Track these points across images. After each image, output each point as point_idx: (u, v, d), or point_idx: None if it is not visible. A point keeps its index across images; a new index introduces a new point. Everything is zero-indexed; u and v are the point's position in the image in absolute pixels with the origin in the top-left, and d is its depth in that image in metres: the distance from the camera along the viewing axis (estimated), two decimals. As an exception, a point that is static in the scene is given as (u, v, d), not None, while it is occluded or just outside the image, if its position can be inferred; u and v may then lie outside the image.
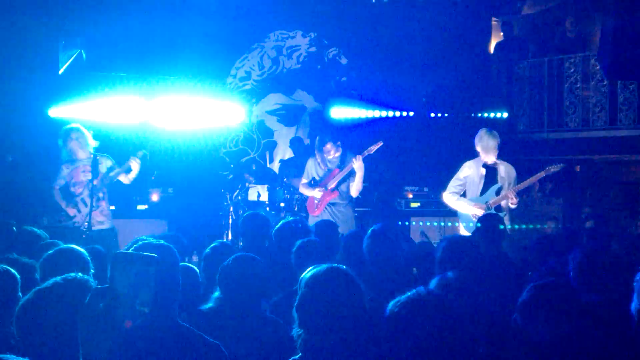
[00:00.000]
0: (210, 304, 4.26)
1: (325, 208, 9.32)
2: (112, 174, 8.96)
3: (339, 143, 9.31)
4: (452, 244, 4.99)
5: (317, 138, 9.53)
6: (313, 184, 9.49)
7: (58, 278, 3.01)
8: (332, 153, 9.29)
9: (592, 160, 13.73)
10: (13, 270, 3.81)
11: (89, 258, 4.55)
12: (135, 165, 8.93)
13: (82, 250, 4.62)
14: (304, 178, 9.64)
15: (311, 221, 8.95)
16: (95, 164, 8.80)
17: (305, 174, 9.65)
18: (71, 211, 8.77)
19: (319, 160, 9.42)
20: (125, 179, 9.07)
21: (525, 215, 13.08)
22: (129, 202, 11.05)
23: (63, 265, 4.33)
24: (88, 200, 8.73)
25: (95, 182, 8.78)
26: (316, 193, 9.32)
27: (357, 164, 9.10)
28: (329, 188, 9.26)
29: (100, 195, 8.92)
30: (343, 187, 9.32)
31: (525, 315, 3.61)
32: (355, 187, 9.29)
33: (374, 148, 9.23)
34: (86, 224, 8.59)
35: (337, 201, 9.31)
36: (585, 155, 13.47)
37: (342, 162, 9.33)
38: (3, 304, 3.63)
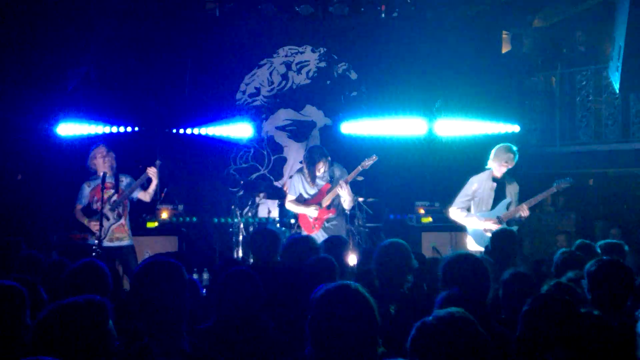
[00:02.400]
0: (209, 323, 4.19)
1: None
2: (130, 189, 9.05)
3: (329, 158, 9.23)
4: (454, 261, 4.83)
5: (306, 153, 9.43)
6: (303, 200, 9.33)
7: (79, 297, 2.97)
8: (323, 169, 9.19)
9: (605, 173, 13.63)
10: (19, 286, 3.79)
11: (109, 272, 4.56)
12: (153, 174, 8.93)
13: (103, 265, 4.63)
14: (291, 194, 9.45)
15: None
16: (116, 180, 9.06)
17: (291, 190, 9.47)
18: (94, 226, 8.78)
19: (307, 176, 9.26)
20: (145, 195, 9.17)
21: (538, 229, 12.99)
22: (139, 220, 11.01)
23: (85, 281, 4.34)
24: (110, 215, 8.84)
25: (116, 198, 8.96)
26: (312, 211, 9.12)
27: (343, 192, 8.96)
28: (324, 206, 9.11)
29: (120, 210, 9.01)
30: (336, 201, 9.21)
31: (526, 328, 3.57)
32: (347, 205, 9.18)
33: (368, 163, 9.11)
34: (98, 239, 8.64)
35: (331, 216, 9.22)
36: (598, 168, 13.38)
37: (332, 176, 9.22)
38: (11, 318, 3.62)
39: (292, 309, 4.99)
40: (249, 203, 11.64)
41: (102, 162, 9.02)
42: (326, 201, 9.09)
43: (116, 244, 8.94)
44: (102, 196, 8.66)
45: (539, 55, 14.60)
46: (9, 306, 3.66)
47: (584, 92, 13.28)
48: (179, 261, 3.73)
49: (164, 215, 11.59)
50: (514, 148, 8.87)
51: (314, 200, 9.16)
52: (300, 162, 12.94)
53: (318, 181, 9.21)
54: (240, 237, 11.14)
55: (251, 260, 9.05)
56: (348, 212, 9.77)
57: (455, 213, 9.07)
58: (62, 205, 10.95)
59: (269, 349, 4.02)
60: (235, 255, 10.97)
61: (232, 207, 11.64)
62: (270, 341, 4.10)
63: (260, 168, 13.31)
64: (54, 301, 3.36)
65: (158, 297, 3.44)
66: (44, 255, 6.69)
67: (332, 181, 9.15)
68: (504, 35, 14.45)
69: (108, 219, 8.87)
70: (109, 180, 8.99)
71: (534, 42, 14.85)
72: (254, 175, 13.23)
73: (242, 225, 11.22)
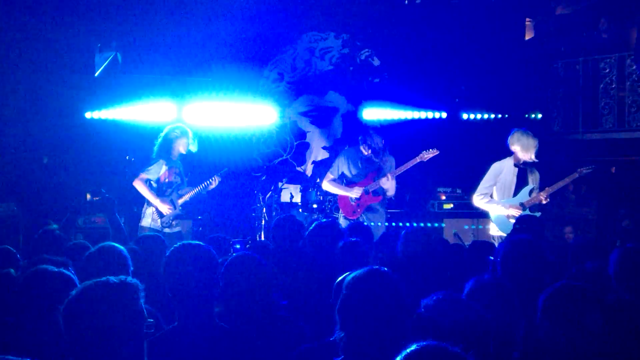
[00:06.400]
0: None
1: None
2: (200, 185, 9.00)
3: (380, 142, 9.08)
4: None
5: (361, 136, 9.19)
6: (346, 182, 9.18)
7: (111, 277, 3.01)
8: (370, 152, 9.03)
9: (627, 161, 13.56)
10: (68, 272, 3.82)
11: (128, 255, 4.61)
12: (216, 182, 9.02)
13: (122, 247, 4.68)
14: (331, 174, 9.30)
15: (343, 223, 8.79)
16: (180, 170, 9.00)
17: (333, 170, 9.31)
18: (167, 209, 8.69)
19: (362, 155, 9.07)
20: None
21: (559, 217, 12.97)
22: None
23: (104, 264, 4.40)
24: (177, 203, 8.80)
25: (186, 191, 8.95)
26: (354, 192, 8.98)
27: (387, 184, 8.83)
28: (370, 191, 8.94)
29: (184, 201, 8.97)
30: (381, 189, 9.05)
31: (545, 318, 3.59)
32: (389, 193, 9.08)
33: (428, 155, 8.96)
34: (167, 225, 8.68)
35: (374, 204, 9.08)
36: (620, 156, 13.32)
37: (382, 164, 9.07)
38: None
39: (317, 294, 5.05)
40: (272, 188, 11.69)
41: (180, 146, 8.90)
42: (373, 187, 8.93)
43: (175, 230, 8.84)
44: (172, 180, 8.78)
45: (562, 42, 14.52)
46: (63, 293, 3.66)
47: (607, 79, 13.21)
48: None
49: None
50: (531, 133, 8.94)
51: (360, 185, 9.01)
52: (325, 148, 13.06)
53: (367, 165, 9.10)
54: (263, 222, 11.20)
55: (271, 246, 9.12)
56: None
57: (478, 200, 9.09)
58: (89, 189, 11.07)
59: (282, 330, 4.04)
60: (258, 239, 11.02)
61: (255, 191, 11.71)
62: (283, 322, 4.12)
63: (283, 153, 13.36)
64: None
65: (190, 280, 3.53)
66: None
67: (382, 169, 9.02)
68: (527, 22, 14.38)
69: (175, 208, 8.77)
70: (178, 167, 8.94)
71: (557, 29, 14.77)
72: (276, 161, 13.29)
73: (264, 210, 11.28)
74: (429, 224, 11.70)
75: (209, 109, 12.25)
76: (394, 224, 11.46)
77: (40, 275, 3.72)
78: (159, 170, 8.79)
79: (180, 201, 8.86)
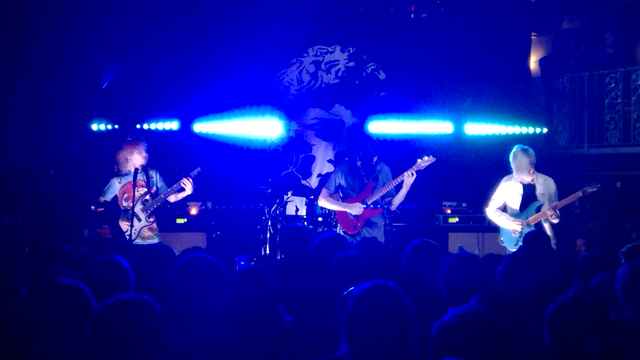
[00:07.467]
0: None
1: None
2: (164, 192, 8.80)
3: (375, 157, 8.97)
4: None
5: (357, 147, 9.03)
6: (345, 196, 9.03)
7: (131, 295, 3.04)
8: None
9: (633, 176, 13.55)
10: (81, 284, 3.81)
11: (130, 267, 4.60)
12: (186, 185, 8.72)
13: (123, 260, 4.66)
14: (327, 189, 9.08)
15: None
16: (148, 178, 8.84)
17: (330, 185, 9.08)
18: (125, 225, 8.59)
19: (358, 167, 8.94)
20: (173, 197, 8.90)
21: (565, 232, 12.95)
22: (168, 216, 11.10)
23: (105, 276, 4.40)
24: (142, 215, 8.67)
25: (147, 198, 8.74)
26: (356, 209, 8.66)
27: (410, 180, 8.70)
28: (369, 203, 8.78)
29: (152, 213, 8.79)
30: (381, 200, 8.96)
31: (553, 332, 3.59)
32: (398, 201, 9.01)
33: (424, 164, 8.84)
34: (134, 237, 8.59)
35: (373, 217, 8.97)
36: (626, 171, 13.30)
37: (379, 175, 8.99)
38: (78, 316, 3.59)
39: (323, 308, 5.03)
40: (277, 201, 11.68)
41: (139, 158, 8.78)
42: (372, 199, 8.77)
43: (148, 242, 8.68)
44: (134, 194, 8.45)
45: (567, 56, 14.55)
46: (79, 305, 3.64)
47: (613, 94, 13.22)
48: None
49: (193, 211, 11.72)
50: (530, 149, 8.83)
51: (358, 198, 8.85)
52: (330, 161, 13.07)
53: (363, 177, 8.91)
54: (268, 235, 11.19)
55: (279, 257, 9.11)
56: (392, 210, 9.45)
57: (490, 212, 9.09)
58: (94, 201, 11.10)
59: (287, 344, 4.02)
60: (263, 252, 11.04)
61: (260, 204, 11.71)
62: (289, 336, 4.11)
63: (288, 166, 13.37)
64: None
65: (198, 293, 3.53)
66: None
67: (379, 180, 8.90)
68: (532, 37, 14.40)
69: (139, 220, 8.64)
70: (141, 178, 8.76)
71: (563, 44, 14.79)
72: (282, 173, 13.29)
73: (269, 223, 11.27)
74: (434, 238, 11.66)
75: (214, 120, 12.32)
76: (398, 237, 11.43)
77: (54, 287, 3.71)
78: (115, 190, 8.78)
79: (146, 214, 8.78)
